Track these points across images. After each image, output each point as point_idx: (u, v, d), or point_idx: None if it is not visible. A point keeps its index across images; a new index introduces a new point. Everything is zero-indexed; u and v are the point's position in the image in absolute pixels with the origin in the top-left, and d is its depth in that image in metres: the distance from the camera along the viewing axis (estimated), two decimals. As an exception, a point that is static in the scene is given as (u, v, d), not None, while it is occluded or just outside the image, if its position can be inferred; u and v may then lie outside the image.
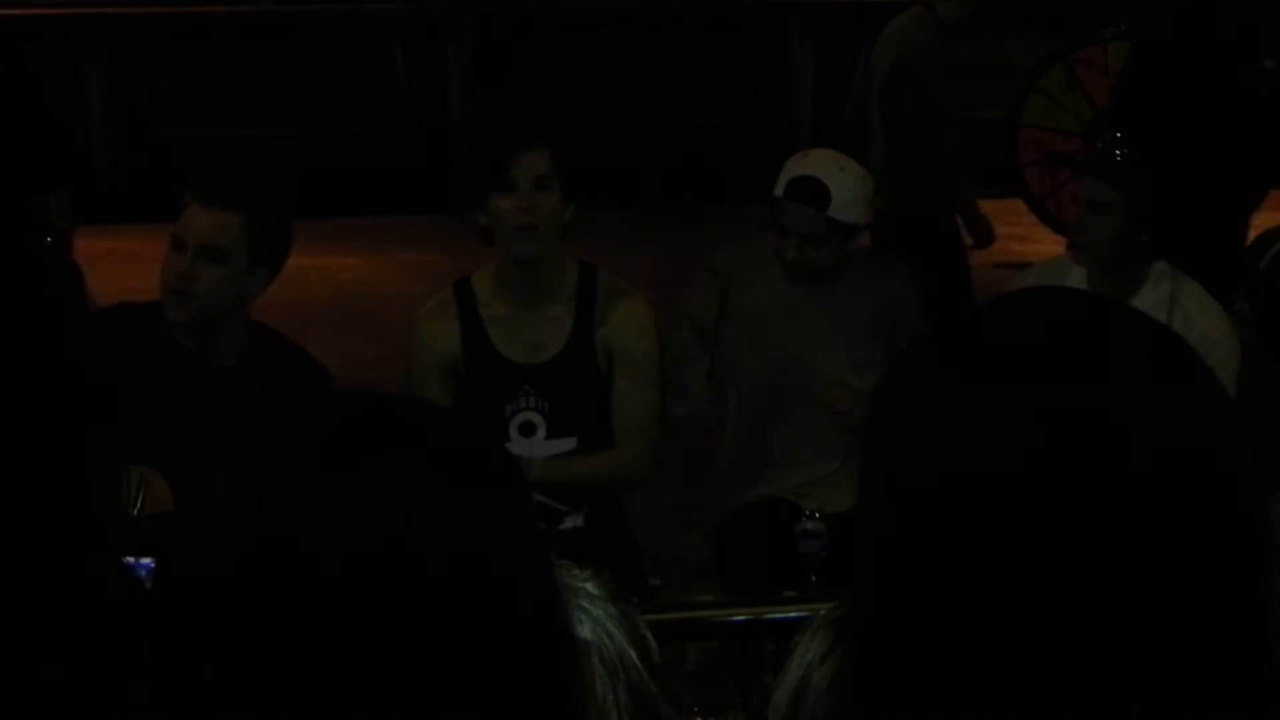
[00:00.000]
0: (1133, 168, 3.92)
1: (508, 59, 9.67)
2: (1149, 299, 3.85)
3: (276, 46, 9.49)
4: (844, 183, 3.93)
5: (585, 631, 1.24)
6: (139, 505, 2.99)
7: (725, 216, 4.02)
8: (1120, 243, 3.88)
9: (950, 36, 5.81)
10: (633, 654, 1.27)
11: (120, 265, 5.57)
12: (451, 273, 3.68)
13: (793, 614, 3.03)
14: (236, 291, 3.38)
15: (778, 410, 4.06)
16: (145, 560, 1.39)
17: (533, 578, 0.99)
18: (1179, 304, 3.88)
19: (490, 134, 3.83)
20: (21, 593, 1.17)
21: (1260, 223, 7.92)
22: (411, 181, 9.35)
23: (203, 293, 3.32)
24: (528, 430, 3.68)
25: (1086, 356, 1.00)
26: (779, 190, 3.98)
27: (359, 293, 8.10)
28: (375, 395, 1.02)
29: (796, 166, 4.02)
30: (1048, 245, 7.43)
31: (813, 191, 3.91)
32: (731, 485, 4.16)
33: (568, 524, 3.67)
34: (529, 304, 3.70)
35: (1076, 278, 3.99)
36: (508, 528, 0.98)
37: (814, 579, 3.54)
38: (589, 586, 1.26)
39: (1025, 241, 8.18)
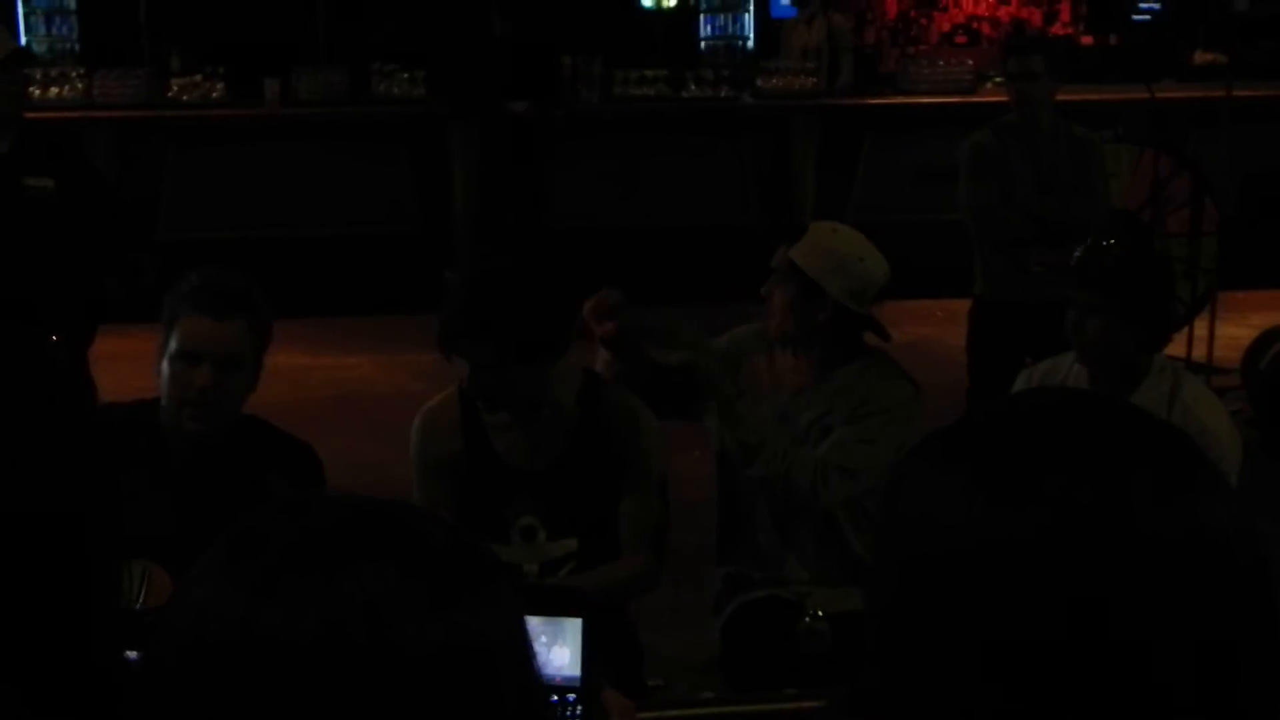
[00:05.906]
0: (1119, 269, 3.93)
1: (511, 161, 9.76)
2: (1150, 395, 3.85)
3: (283, 149, 9.58)
4: (824, 238, 3.87)
5: None
6: (142, 599, 2.99)
7: (729, 315, 4.00)
8: (1115, 343, 3.89)
9: None
10: None
11: (127, 364, 5.60)
12: (454, 373, 3.67)
13: (793, 711, 3.02)
14: (249, 393, 3.41)
15: (764, 503, 4.00)
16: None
17: (515, 681, 1.00)
18: (1179, 399, 3.87)
19: (462, 286, 3.52)
20: (25, 689, 1.17)
21: (1260, 323, 7.98)
22: (416, 282, 9.42)
23: (227, 404, 3.34)
24: (529, 535, 3.64)
25: (1094, 453, 1.02)
26: None
27: (362, 392, 8.12)
28: (359, 501, 1.04)
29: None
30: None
31: (793, 231, 3.91)
32: (723, 564, 4.11)
33: None
34: (533, 413, 3.65)
35: (1078, 376, 4.00)
36: (487, 634, 0.99)
37: (816, 678, 3.52)
38: None
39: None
